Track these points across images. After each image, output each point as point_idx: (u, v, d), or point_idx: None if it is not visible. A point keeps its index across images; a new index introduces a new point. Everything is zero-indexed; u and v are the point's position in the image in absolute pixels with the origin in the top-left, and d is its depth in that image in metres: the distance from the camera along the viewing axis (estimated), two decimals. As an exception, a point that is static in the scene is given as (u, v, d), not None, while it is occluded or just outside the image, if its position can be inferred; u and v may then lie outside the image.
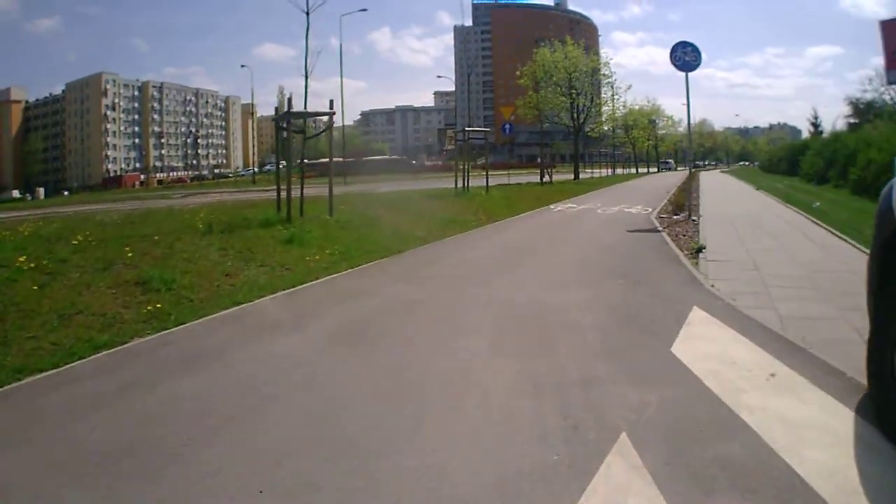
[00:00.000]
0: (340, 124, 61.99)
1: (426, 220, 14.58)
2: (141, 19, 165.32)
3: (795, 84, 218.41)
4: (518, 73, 41.63)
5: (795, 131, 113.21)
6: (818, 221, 13.03)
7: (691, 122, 18.79)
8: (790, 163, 41.12)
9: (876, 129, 27.81)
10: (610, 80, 42.89)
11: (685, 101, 15.26)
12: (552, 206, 19.75)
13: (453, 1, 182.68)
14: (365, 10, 48.81)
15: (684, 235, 12.20)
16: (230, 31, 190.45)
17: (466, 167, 24.49)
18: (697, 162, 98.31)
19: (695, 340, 4.92)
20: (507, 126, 35.60)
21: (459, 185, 23.78)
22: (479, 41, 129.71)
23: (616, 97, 43.92)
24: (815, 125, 56.14)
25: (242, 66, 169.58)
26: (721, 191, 26.15)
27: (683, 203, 17.59)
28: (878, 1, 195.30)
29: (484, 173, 26.33)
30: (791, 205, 17.47)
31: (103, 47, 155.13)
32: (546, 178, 33.75)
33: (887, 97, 38.26)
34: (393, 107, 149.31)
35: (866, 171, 20.08)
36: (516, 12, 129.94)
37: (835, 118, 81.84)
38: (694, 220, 14.36)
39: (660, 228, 13.31)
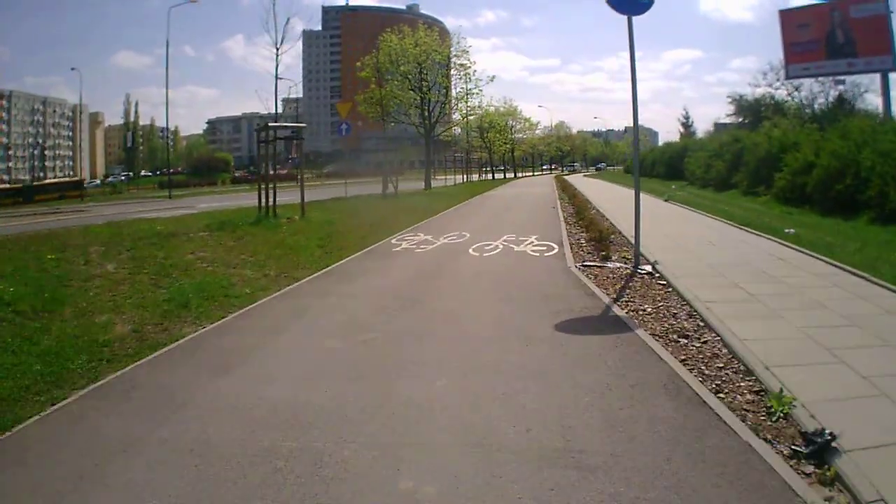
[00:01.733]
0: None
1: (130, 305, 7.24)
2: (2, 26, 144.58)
3: (652, 87, 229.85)
4: (359, 63, 34.17)
5: (652, 133, 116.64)
6: (875, 279, 7.10)
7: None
8: (668, 165, 38.41)
9: (779, 128, 25.21)
10: (468, 70, 36.43)
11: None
12: (394, 240, 12.52)
13: (308, 8, 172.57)
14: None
15: (691, 340, 5.50)
16: (88, 38, 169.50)
17: (269, 180, 16.51)
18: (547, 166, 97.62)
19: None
20: (344, 126, 28.29)
21: (265, 202, 15.92)
22: (328, 45, 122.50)
23: (477, 91, 37.31)
24: (687, 125, 54.43)
25: (73, 68, 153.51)
26: (622, 205, 20.38)
27: (603, 232, 11.14)
28: (741, 4, 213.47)
29: (320, 182, 18.75)
30: (756, 230, 11.68)
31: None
32: (390, 189, 26.48)
33: (783, 92, 35.67)
34: (240, 114, 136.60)
35: (803, 177, 16.57)
36: (366, 16, 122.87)
37: (718, 116, 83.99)
38: (656, 277, 7.87)
39: (617, 312, 6.45)
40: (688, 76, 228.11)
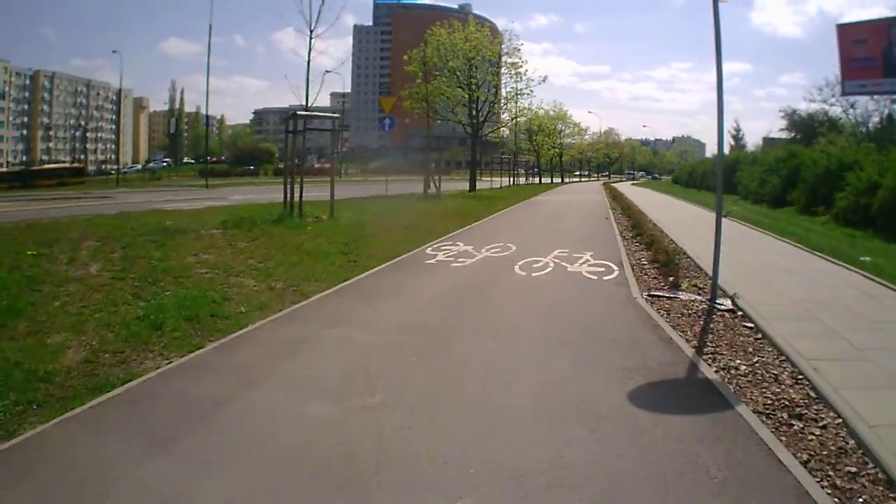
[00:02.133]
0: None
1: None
2: (52, 8, 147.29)
3: (700, 99, 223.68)
4: (406, 56, 32.63)
5: (700, 144, 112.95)
6: None
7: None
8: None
9: (835, 145, 25.10)
10: (519, 69, 34.39)
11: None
12: (430, 249, 11.01)
13: (360, 3, 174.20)
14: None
15: (807, 423, 4.02)
16: (136, 23, 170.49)
17: (296, 174, 15.13)
18: (596, 173, 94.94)
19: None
20: (388, 120, 27.06)
21: (291, 198, 14.68)
22: (379, 41, 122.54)
23: (528, 91, 35.26)
24: (737, 138, 51.65)
25: (114, 51, 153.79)
26: (679, 217, 18.46)
27: (669, 254, 9.50)
28: (792, 20, 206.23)
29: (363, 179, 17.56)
30: (830, 256, 10.12)
31: (12, 36, 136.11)
32: (432, 190, 25.00)
33: (838, 108, 33.40)
34: (287, 106, 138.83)
35: (867, 197, 15.45)
36: (417, 13, 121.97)
37: (767, 131, 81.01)
38: (739, 316, 6.34)
39: (706, 372, 4.86)
40: (736, 89, 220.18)
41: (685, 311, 6.67)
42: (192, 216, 14.96)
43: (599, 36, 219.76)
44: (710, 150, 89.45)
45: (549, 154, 63.43)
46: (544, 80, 36.20)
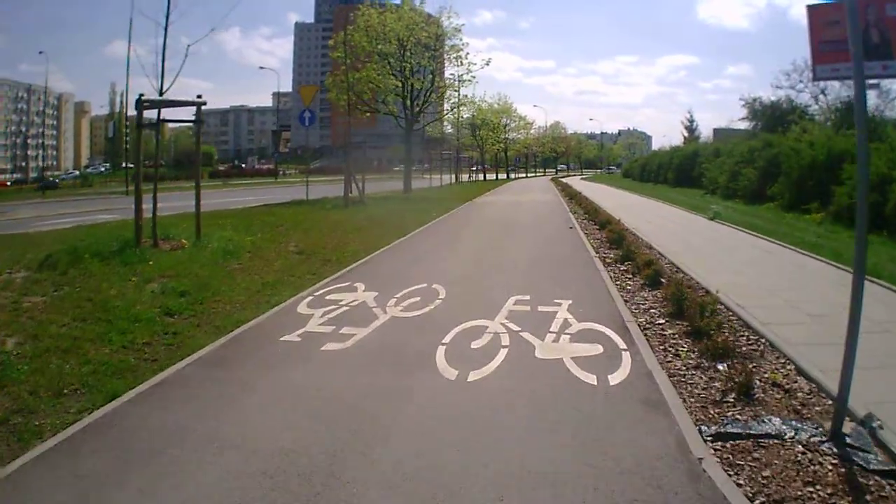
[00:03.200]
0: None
1: None
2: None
3: (646, 92, 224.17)
4: (331, 41, 28.02)
5: (646, 137, 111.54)
6: None
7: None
8: (678, 171, 34.32)
9: (809, 133, 22.85)
10: (460, 52, 29.59)
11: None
12: (305, 304, 6.89)
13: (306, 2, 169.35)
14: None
15: None
16: (80, 27, 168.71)
17: (139, 180, 10.55)
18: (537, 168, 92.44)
19: None
20: (308, 114, 22.85)
21: (153, 215, 10.42)
22: (321, 38, 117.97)
23: (469, 78, 30.88)
24: (691, 129, 49.15)
25: (40, 52, 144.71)
26: (664, 225, 14.71)
27: (704, 305, 5.61)
28: (739, 12, 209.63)
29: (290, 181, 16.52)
30: None
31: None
32: (353, 192, 20.61)
33: (806, 95, 31.04)
34: (227, 107, 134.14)
35: (874, 194, 12.65)
36: (360, 8, 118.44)
37: (717, 123, 78.45)
38: None
39: None
40: (683, 82, 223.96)
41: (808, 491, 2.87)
42: (24, 245, 10.91)
43: (544, 31, 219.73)
44: (657, 143, 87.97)
45: (493, 149, 60.77)
46: (487, 64, 32.45)
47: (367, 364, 4.83)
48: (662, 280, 7.19)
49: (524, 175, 79.19)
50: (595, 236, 12.31)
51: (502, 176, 66.59)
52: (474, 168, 62.48)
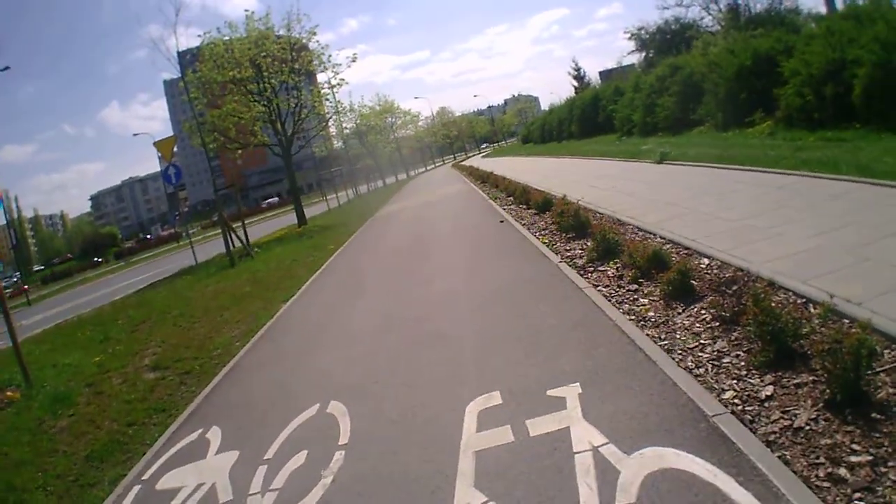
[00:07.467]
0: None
1: None
2: None
3: (523, 56, 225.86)
4: (181, 84, 23.94)
5: (533, 99, 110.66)
6: None
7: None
8: (582, 122, 32.91)
9: (715, 46, 21.45)
10: (321, 55, 26.81)
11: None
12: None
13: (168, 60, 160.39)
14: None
15: None
16: None
17: None
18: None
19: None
20: (173, 169, 18.81)
21: None
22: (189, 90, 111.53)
23: (339, 81, 27.09)
24: (580, 77, 47.70)
25: None
26: (611, 187, 12.01)
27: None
28: None
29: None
30: None
31: None
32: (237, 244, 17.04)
33: (696, 9, 30.09)
34: (119, 182, 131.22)
35: (830, 86, 11.68)
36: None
37: (620, 57, 76.50)
38: None
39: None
40: (557, 36, 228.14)
41: None
42: None
43: (413, 22, 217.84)
44: (546, 102, 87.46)
45: (386, 151, 58.95)
46: (354, 60, 28.97)
47: None
48: (744, 303, 3.80)
49: (423, 169, 76.13)
50: (540, 227, 9.27)
51: (402, 176, 64.15)
52: (371, 175, 59.44)
